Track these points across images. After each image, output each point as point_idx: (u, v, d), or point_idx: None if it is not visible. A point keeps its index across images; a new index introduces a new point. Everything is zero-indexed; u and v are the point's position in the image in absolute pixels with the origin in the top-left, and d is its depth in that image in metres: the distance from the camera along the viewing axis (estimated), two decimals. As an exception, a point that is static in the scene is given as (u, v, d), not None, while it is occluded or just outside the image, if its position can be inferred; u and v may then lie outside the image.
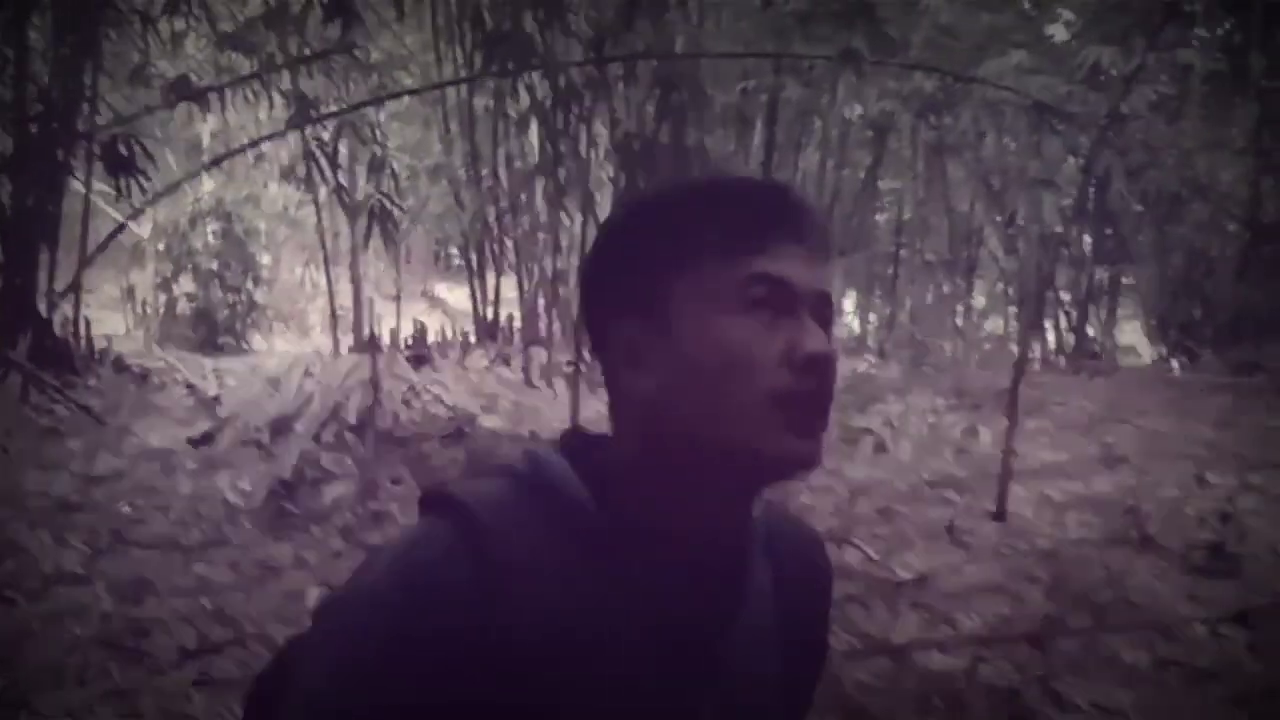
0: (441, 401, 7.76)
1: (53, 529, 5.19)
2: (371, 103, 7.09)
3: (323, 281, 11.27)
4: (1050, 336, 14.44)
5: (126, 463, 6.34)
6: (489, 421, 7.10)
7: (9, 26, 6.87)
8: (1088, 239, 14.06)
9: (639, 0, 5.17)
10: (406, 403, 7.42)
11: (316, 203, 7.32)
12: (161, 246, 12.59)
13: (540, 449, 1.15)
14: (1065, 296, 14.53)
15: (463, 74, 6.68)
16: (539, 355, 9.29)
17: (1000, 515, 5.86)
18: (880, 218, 15.61)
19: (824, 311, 1.12)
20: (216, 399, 7.64)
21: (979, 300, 15.34)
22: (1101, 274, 14.37)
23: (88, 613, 4.29)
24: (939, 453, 7.32)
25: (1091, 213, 12.92)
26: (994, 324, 15.47)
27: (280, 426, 6.76)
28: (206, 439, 6.73)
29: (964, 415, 8.43)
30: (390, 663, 1.01)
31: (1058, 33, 13.44)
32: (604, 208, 9.06)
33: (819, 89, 8.97)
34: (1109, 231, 13.69)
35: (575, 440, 1.18)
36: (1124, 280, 14.84)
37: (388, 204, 6.55)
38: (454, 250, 11.90)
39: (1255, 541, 5.63)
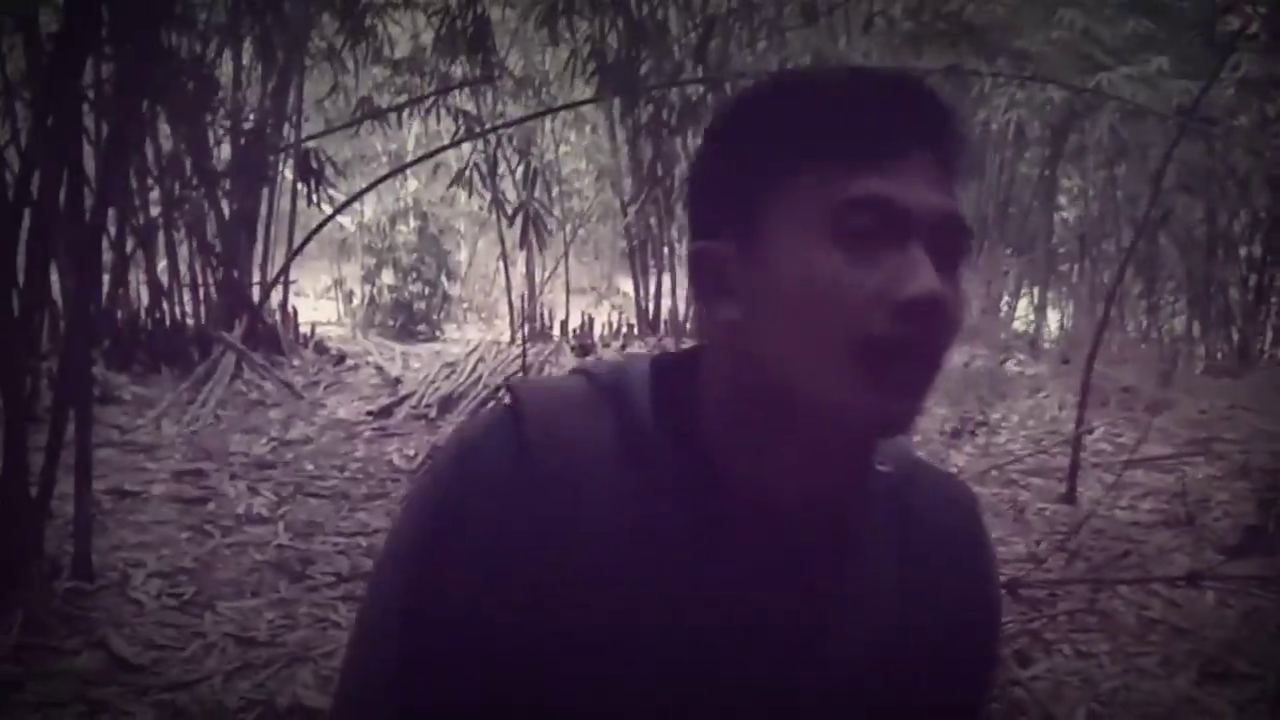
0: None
1: (249, 481, 6.20)
2: (523, 120, 8.00)
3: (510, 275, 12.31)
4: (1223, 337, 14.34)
5: (316, 430, 7.37)
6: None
7: (220, 53, 8.01)
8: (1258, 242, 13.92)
9: (713, 29, 5.86)
10: (562, 385, 8.29)
11: (495, 204, 8.26)
12: (367, 242, 13.83)
13: (630, 361, 1.08)
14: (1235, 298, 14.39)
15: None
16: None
17: (1070, 498, 6.30)
18: (1058, 216, 15.69)
19: (951, 239, 0.96)
20: (398, 379, 8.64)
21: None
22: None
23: (267, 545, 5.27)
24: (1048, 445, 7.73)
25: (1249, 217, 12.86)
26: (1174, 325, 15.40)
27: (447, 403, 7.73)
28: (384, 412, 7.74)
29: (1091, 412, 8.78)
30: (444, 539, 1.01)
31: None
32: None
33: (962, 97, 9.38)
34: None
35: (668, 359, 1.09)
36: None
37: (540, 209, 7.43)
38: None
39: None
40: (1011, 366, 10.81)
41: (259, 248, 9.29)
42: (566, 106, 8.12)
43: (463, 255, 15.19)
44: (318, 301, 14.40)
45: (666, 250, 10.71)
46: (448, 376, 8.67)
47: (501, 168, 8.42)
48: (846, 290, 0.91)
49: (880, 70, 1.01)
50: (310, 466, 6.60)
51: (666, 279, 10.98)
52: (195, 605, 4.49)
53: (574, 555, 0.97)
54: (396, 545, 1.06)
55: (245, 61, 8.25)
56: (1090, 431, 7.23)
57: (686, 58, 6.16)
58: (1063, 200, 15.12)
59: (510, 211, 7.40)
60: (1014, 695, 3.67)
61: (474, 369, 8.72)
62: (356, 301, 14.16)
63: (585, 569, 0.97)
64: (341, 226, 13.10)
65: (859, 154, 0.93)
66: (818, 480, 0.99)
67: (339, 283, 14.47)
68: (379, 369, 9.25)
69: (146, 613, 4.34)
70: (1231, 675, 3.95)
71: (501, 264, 12.10)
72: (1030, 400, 8.90)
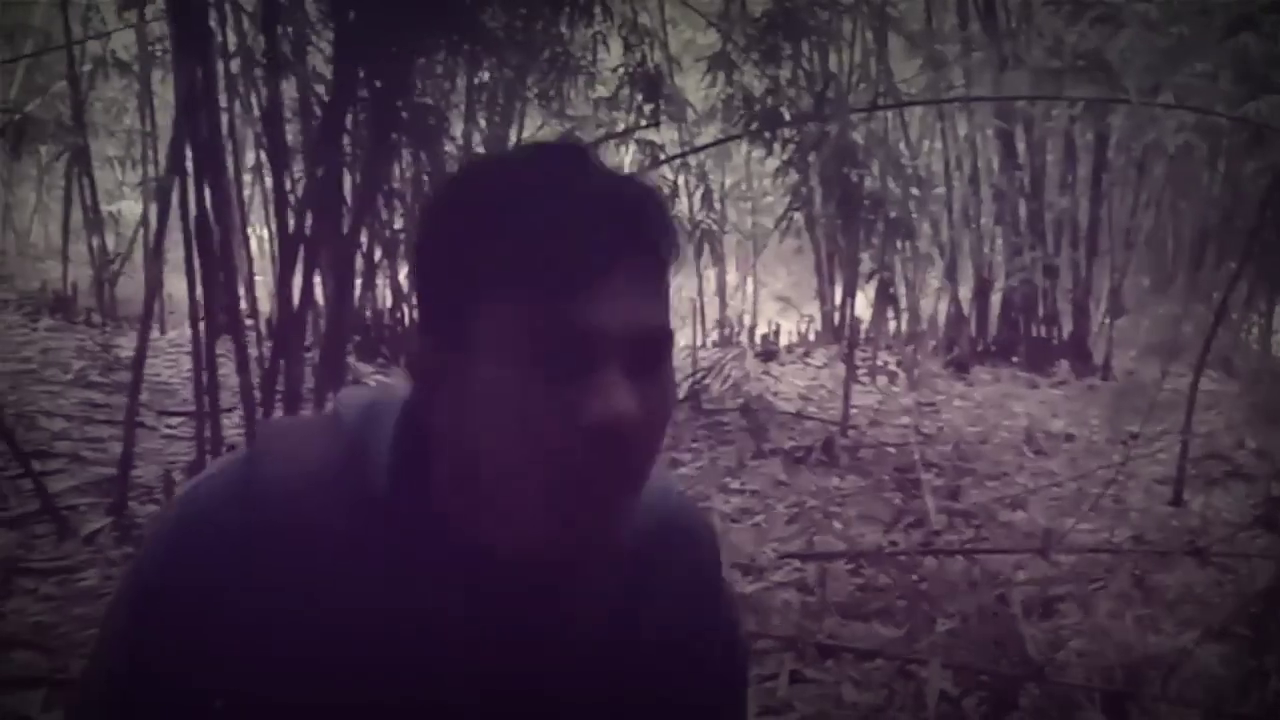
0: (774, 391, 9.70)
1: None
2: (695, 150, 9.23)
3: (711, 285, 13.42)
4: None
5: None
6: (788, 405, 9.03)
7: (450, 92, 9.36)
8: None
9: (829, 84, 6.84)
10: (736, 385, 9.38)
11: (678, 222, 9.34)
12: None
13: (383, 406, 1.06)
14: None
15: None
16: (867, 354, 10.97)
17: (1177, 501, 6.94)
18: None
19: (651, 348, 0.97)
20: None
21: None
22: None
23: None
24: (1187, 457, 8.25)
25: None
26: None
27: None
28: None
29: (1251, 428, 9.18)
30: (163, 589, 1.01)
31: None
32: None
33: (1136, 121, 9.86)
34: None
35: (419, 410, 1.04)
36: None
37: (713, 227, 8.62)
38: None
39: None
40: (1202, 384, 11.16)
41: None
42: (717, 143, 9.29)
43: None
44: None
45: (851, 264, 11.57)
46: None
47: (698, 188, 9.53)
48: (536, 411, 0.93)
49: (593, 180, 0.97)
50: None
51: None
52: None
53: (291, 604, 0.98)
54: (122, 588, 1.05)
55: (478, 81, 9.54)
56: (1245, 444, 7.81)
57: (812, 99, 7.21)
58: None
59: (688, 228, 8.57)
60: (1017, 629, 4.55)
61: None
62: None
63: (300, 619, 0.98)
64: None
65: (563, 277, 0.92)
66: (543, 540, 0.99)
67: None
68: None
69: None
70: (1227, 635, 4.65)
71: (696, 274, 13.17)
72: (1197, 417, 9.31)
